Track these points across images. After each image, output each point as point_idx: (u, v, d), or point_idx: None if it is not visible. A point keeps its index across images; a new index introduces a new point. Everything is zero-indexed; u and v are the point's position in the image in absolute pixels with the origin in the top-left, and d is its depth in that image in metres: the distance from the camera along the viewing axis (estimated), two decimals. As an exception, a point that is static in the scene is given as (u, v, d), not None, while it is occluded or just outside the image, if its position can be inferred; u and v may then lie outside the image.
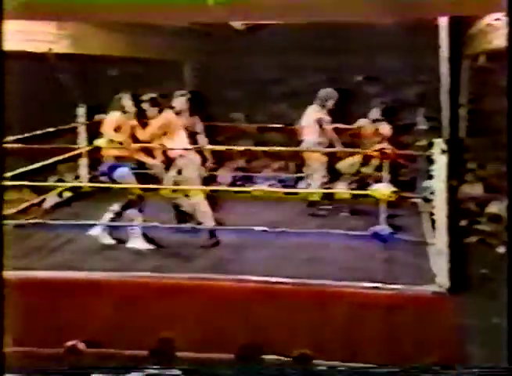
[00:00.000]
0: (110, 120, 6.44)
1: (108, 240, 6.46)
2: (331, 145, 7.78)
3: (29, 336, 4.71)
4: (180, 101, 7.25)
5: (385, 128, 8.12)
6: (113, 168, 6.38)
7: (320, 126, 7.77)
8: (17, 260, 5.77)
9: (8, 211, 6.47)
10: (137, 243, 6.36)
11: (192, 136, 7.27)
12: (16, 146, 4.83)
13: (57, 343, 4.40)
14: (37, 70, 7.70)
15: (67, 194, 8.34)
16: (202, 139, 7.69)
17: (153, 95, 6.68)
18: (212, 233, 6.49)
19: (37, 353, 4.81)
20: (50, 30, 6.83)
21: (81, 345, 4.22)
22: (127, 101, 6.49)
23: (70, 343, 4.22)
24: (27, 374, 3.89)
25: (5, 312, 4.81)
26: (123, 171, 6.36)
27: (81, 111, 8.42)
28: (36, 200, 7.72)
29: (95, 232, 6.50)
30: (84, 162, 8.58)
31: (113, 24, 7.50)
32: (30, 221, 6.66)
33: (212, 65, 11.36)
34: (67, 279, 5.42)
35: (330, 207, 7.77)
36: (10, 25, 6.38)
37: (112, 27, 7.83)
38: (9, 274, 5.37)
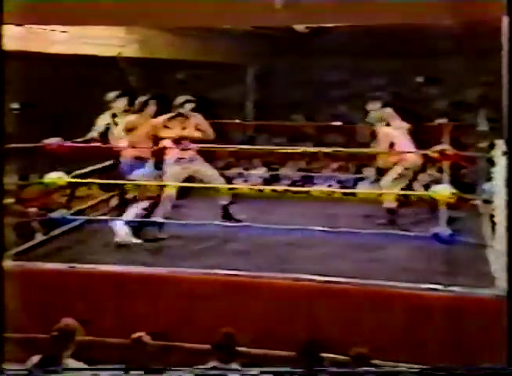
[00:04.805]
0: (126, 121, 6.59)
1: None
2: None
3: (98, 326, 4.93)
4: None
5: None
6: (132, 168, 6.42)
7: None
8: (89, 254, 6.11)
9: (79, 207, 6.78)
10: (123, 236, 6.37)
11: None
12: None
13: (123, 334, 4.55)
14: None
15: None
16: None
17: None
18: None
19: (103, 342, 5.03)
20: (119, 35, 7.02)
21: (147, 338, 4.35)
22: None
23: (136, 335, 4.36)
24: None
25: (79, 302, 5.05)
26: (143, 172, 6.40)
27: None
28: (104, 197, 7.99)
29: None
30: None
31: (180, 29, 7.66)
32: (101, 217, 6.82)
33: (275, 68, 11.47)
34: (135, 273, 5.63)
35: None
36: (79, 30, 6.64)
37: (178, 32, 7.99)
38: (80, 267, 5.70)
